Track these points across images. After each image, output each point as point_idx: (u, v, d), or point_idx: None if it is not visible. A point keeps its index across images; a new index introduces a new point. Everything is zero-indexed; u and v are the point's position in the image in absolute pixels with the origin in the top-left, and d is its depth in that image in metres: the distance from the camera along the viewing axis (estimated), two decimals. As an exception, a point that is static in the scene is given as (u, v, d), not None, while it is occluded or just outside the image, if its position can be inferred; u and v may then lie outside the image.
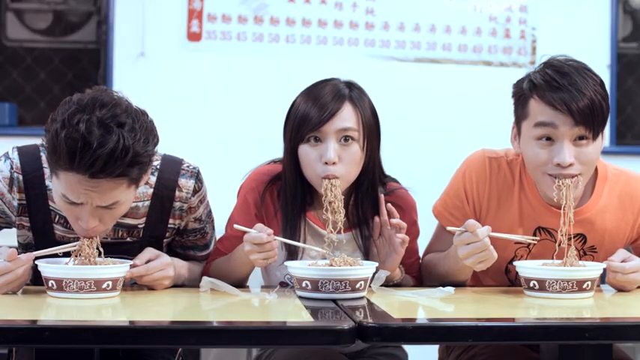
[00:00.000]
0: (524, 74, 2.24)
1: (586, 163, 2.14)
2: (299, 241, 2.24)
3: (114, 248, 2.15)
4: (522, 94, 2.18)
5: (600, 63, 4.54)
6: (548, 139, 2.13)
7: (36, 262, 1.99)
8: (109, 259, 2.04)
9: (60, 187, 1.95)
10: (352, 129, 2.18)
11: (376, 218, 2.21)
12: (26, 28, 4.72)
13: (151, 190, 2.19)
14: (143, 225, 2.20)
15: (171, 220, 2.23)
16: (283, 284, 2.29)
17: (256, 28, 4.43)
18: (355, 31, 4.49)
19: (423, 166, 4.07)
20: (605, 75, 4.60)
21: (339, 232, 2.21)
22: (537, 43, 4.55)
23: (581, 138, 2.12)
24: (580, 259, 2.26)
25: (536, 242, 2.22)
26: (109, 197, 1.94)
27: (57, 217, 2.15)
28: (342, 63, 4.37)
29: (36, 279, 2.10)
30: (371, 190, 2.26)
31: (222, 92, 4.39)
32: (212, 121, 4.34)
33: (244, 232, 2.08)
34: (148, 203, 2.19)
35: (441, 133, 4.45)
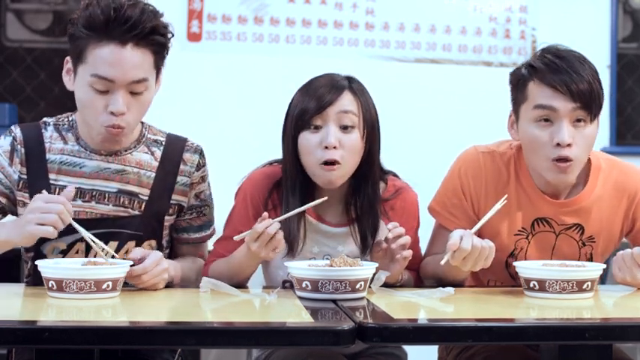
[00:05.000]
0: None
1: (584, 146, 2.18)
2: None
3: (115, 221, 2.18)
4: (521, 78, 2.22)
5: (600, 63, 4.54)
6: (547, 120, 2.17)
7: (36, 262, 1.99)
8: (110, 259, 2.04)
9: (89, 70, 2.08)
10: (352, 112, 2.20)
11: (379, 242, 2.20)
12: (26, 29, 4.73)
13: (156, 163, 2.24)
14: (147, 198, 2.22)
15: (174, 196, 2.26)
16: (286, 282, 2.29)
17: (256, 29, 4.43)
18: (355, 31, 4.49)
19: (423, 166, 4.05)
20: (605, 75, 4.60)
21: (337, 226, 2.26)
22: (537, 44, 4.54)
23: (578, 120, 2.17)
24: (579, 250, 2.30)
25: (505, 201, 2.19)
26: (139, 70, 2.09)
27: (57, 189, 2.17)
28: (342, 63, 4.32)
29: (36, 279, 2.11)
30: (369, 186, 2.27)
31: (222, 93, 4.39)
32: (212, 122, 4.33)
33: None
34: (152, 175, 2.23)
35: (441, 133, 4.45)
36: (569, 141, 2.15)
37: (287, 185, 2.26)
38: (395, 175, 2.39)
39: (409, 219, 2.31)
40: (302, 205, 2.17)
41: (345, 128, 2.20)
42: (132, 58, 2.08)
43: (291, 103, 2.28)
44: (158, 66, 2.17)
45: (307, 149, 2.20)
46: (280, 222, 2.09)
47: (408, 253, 2.12)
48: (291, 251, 2.23)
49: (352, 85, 2.24)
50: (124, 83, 2.08)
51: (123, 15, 2.06)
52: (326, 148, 2.17)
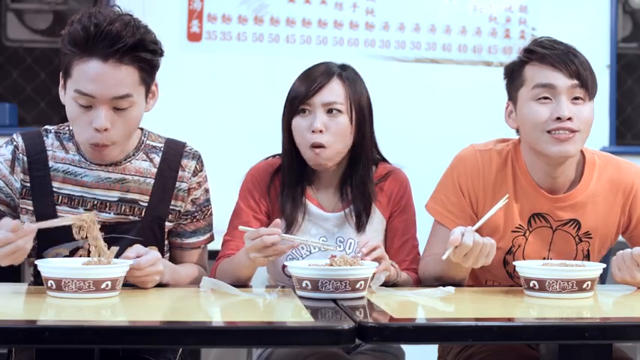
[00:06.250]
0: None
1: (582, 122, 2.23)
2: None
3: (116, 228, 2.19)
4: (517, 65, 2.29)
5: (600, 63, 4.54)
6: (546, 98, 2.23)
7: (36, 262, 1.99)
8: (112, 258, 2.04)
9: (73, 85, 2.06)
10: (338, 102, 2.32)
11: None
12: (26, 28, 4.73)
13: (155, 170, 2.24)
14: (146, 204, 2.22)
15: (173, 202, 2.26)
16: (285, 267, 2.31)
17: (256, 29, 4.43)
18: (355, 31, 4.49)
19: (423, 165, 4.06)
20: (605, 75, 4.60)
21: (332, 212, 2.36)
22: (537, 44, 4.54)
23: (576, 98, 2.23)
24: (577, 246, 2.31)
25: (507, 200, 2.22)
26: (121, 87, 2.05)
27: (60, 197, 2.18)
28: (342, 63, 4.37)
29: (39, 283, 2.10)
30: (362, 168, 2.38)
31: (222, 92, 4.39)
32: (212, 122, 4.33)
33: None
34: (151, 181, 2.23)
35: (441, 133, 4.45)
36: (569, 115, 2.20)
37: (285, 168, 2.37)
38: (387, 162, 2.47)
39: (396, 198, 2.41)
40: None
41: (330, 112, 2.31)
42: (114, 74, 2.04)
43: (288, 93, 2.38)
44: (146, 82, 2.12)
45: (299, 133, 2.33)
46: (284, 218, 2.12)
47: (386, 264, 2.15)
48: (289, 231, 2.34)
49: (343, 72, 2.36)
50: (106, 99, 2.05)
51: (103, 31, 2.03)
52: (313, 131, 2.29)
